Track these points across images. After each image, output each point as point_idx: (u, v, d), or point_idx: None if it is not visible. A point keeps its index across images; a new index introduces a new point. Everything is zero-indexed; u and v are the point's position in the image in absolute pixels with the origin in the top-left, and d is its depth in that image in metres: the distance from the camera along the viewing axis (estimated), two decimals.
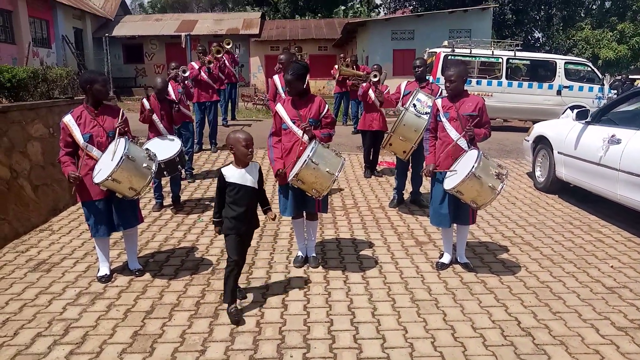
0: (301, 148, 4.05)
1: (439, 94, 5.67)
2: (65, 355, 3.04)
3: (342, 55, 13.05)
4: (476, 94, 13.22)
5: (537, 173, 7.41)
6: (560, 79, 13.01)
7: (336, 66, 11.88)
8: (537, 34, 35.24)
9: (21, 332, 3.31)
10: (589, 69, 13.38)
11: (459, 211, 4.19)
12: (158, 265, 4.44)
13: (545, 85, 13.09)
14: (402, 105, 5.85)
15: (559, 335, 3.28)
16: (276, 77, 5.95)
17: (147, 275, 4.21)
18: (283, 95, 5.52)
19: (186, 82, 7.11)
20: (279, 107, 4.23)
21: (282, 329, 3.35)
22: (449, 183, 3.97)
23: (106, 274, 4.12)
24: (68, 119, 3.98)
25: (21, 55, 18.76)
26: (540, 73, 14.13)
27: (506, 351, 3.10)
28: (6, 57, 17.61)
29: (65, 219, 5.79)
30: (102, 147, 3.97)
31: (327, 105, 4.23)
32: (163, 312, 3.57)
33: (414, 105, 5.42)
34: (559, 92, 12.99)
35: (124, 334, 3.27)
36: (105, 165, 3.80)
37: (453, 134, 4.15)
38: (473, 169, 3.76)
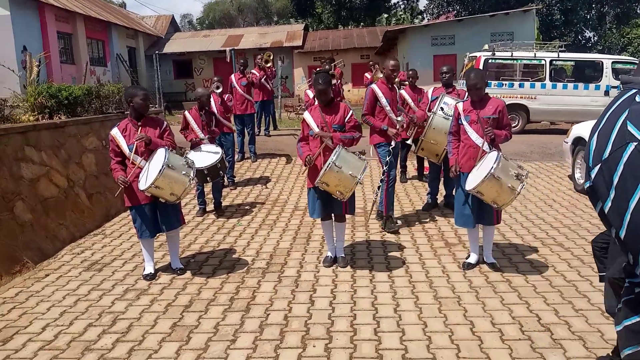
0: (327, 153, 4.28)
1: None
2: (112, 342, 3.39)
3: (371, 62, 13.23)
4: (519, 97, 12.98)
5: (577, 175, 7.31)
6: (607, 79, 12.61)
7: (367, 74, 12.09)
8: (588, 34, 34.08)
9: (75, 322, 3.69)
10: None
11: (483, 212, 4.28)
12: (198, 265, 4.77)
13: (592, 85, 12.73)
14: (430, 110, 5.98)
15: (579, 331, 3.33)
16: (308, 91, 6.35)
17: (188, 274, 4.54)
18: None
19: (225, 96, 7.49)
20: (306, 115, 4.49)
21: (307, 322, 3.57)
22: (470, 184, 4.09)
23: (151, 273, 4.48)
24: (115, 132, 4.39)
25: (79, 74, 19.99)
26: (587, 73, 13.75)
27: (522, 345, 3.19)
28: (66, 76, 18.85)
29: (116, 224, 6.26)
30: (145, 156, 4.34)
31: (351, 111, 4.45)
32: (200, 306, 3.87)
33: (442, 109, 5.55)
34: (606, 93, 12.59)
35: (164, 325, 3.59)
36: (149, 173, 4.16)
37: (474, 136, 4.26)
38: (492, 170, 3.86)
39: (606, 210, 1.25)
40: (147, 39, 27.91)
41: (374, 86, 5.26)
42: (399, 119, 5.19)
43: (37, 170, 5.50)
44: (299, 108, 18.84)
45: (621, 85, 1.40)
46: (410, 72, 7.53)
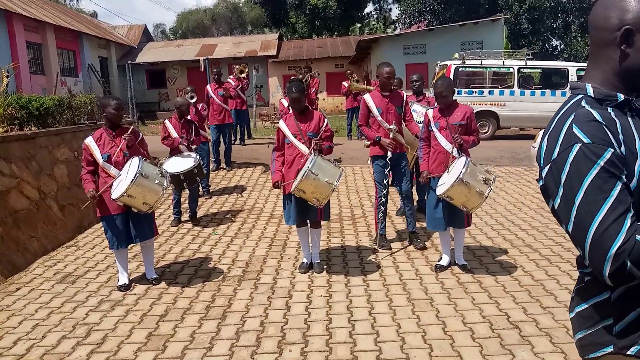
0: (302, 160, 4.35)
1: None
2: (87, 353, 3.36)
3: (349, 71, 13.42)
4: (489, 104, 13.24)
5: None
6: None
7: (344, 83, 12.25)
8: (555, 42, 35.10)
9: (49, 335, 3.65)
10: None
11: (454, 215, 4.40)
12: (173, 275, 4.76)
13: (558, 92, 13.12)
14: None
15: (546, 328, 3.46)
16: (283, 100, 6.38)
17: (163, 284, 4.53)
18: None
19: (199, 105, 7.51)
20: (281, 123, 4.56)
21: (283, 327, 3.61)
22: (440, 189, 4.20)
23: (125, 283, 4.46)
24: (89, 141, 4.37)
25: (50, 85, 19.63)
26: (553, 80, 14.18)
27: (492, 342, 3.29)
28: (36, 87, 18.50)
29: (89, 236, 6.19)
30: (119, 166, 4.34)
31: (326, 120, 4.54)
32: (176, 315, 3.87)
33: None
34: None
35: (139, 335, 3.58)
36: (122, 182, 4.16)
37: (443, 142, 4.39)
38: (461, 175, 3.98)
39: (556, 207, 1.34)
40: (119, 48, 27.60)
41: (366, 96, 5.16)
42: (391, 126, 4.95)
43: (7, 182, 5.41)
44: (273, 117, 18.89)
45: (570, 91, 1.50)
46: (395, 81, 7.66)
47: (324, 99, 23.82)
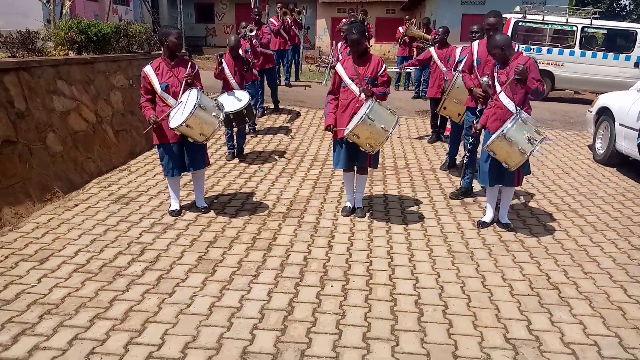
0: (357, 105, 4.35)
1: None
2: (142, 269, 3.60)
3: (407, 17, 12.99)
4: (546, 63, 12.69)
5: (597, 145, 7.30)
6: (639, 50, 12.29)
7: (400, 28, 11.89)
8: (624, 1, 32.78)
9: (105, 250, 3.90)
10: None
11: (504, 172, 4.35)
12: (221, 205, 4.95)
13: (622, 56, 12.41)
14: (455, 69, 5.95)
15: (586, 292, 3.47)
16: (338, 44, 6.33)
17: (212, 213, 4.72)
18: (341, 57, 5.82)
19: (254, 41, 7.47)
20: (338, 67, 4.52)
21: (326, 264, 3.75)
22: (486, 142, 4.18)
23: (176, 209, 4.67)
24: (148, 69, 4.47)
25: (102, 12, 19.81)
26: (618, 43, 13.38)
27: (531, 300, 3.34)
28: (89, 13, 18.68)
29: (141, 162, 6.43)
30: (177, 96, 4.43)
31: (384, 65, 4.48)
32: (224, 243, 4.06)
33: None
34: (637, 65, 12.30)
35: (190, 258, 3.79)
36: (180, 112, 4.27)
37: (503, 97, 4.28)
38: (504, 130, 3.94)
39: None
40: None
41: (475, 43, 5.20)
42: (485, 79, 4.78)
43: (68, 103, 5.63)
44: (319, 60, 18.62)
45: None
46: (441, 29, 7.43)
47: (371, 46, 23.23)
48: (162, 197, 5.13)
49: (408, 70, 11.41)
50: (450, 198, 5.36)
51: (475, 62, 5.08)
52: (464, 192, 5.41)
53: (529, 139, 3.99)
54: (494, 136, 4.13)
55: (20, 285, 3.32)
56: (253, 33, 7.38)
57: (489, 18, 4.79)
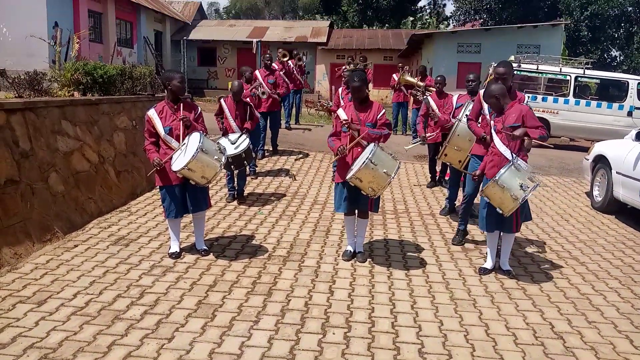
0: (359, 150, 4.41)
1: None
2: (141, 314, 3.55)
3: (401, 64, 13.32)
4: (541, 111, 12.92)
5: (595, 192, 7.35)
6: (632, 99, 12.58)
7: (394, 75, 12.17)
8: (615, 53, 33.77)
9: (105, 292, 3.85)
10: None
11: (503, 219, 4.37)
12: (221, 248, 4.92)
13: (616, 105, 12.71)
14: (454, 117, 6.06)
15: (591, 342, 3.43)
16: (340, 90, 6.50)
17: (211, 256, 4.69)
18: (342, 102, 5.94)
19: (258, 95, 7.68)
20: (340, 111, 4.61)
21: (327, 310, 3.70)
22: (483, 188, 4.26)
23: (176, 251, 4.64)
24: (152, 113, 4.54)
25: (106, 54, 20.25)
26: (611, 93, 13.72)
27: (535, 350, 3.29)
28: (94, 55, 19.09)
29: (141, 203, 6.43)
30: (180, 139, 4.49)
31: (383, 110, 4.57)
32: (224, 287, 4.02)
33: (467, 116, 5.63)
34: (629, 113, 12.57)
35: (190, 302, 3.74)
36: (182, 156, 4.31)
37: (499, 144, 4.35)
38: (497, 177, 4.03)
39: None
40: (174, 24, 28.15)
41: (482, 92, 5.11)
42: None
43: (72, 144, 5.68)
44: (318, 104, 18.94)
45: None
46: (439, 79, 7.60)
47: (369, 91, 23.68)
48: (162, 238, 5.10)
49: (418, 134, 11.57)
50: (453, 244, 5.34)
51: (486, 111, 5.04)
52: (462, 234, 5.42)
53: (521, 186, 4.05)
54: (488, 182, 4.20)
55: (17, 329, 3.25)
56: (265, 96, 7.59)
57: (498, 68, 4.86)
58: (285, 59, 10.84)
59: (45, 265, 4.32)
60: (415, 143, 6.82)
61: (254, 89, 7.60)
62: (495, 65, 4.98)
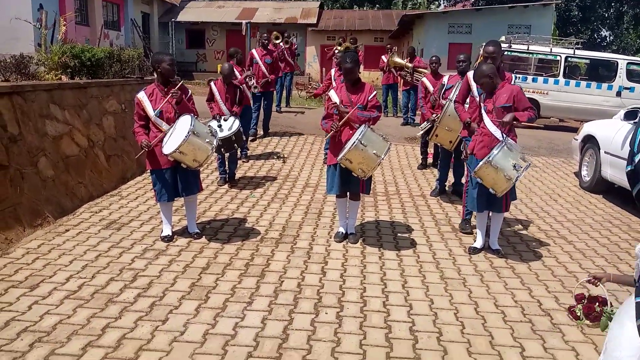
0: (350, 131, 4.42)
1: None
2: (134, 296, 3.57)
3: (389, 45, 13.27)
4: (531, 91, 12.96)
5: (583, 172, 7.44)
6: (621, 79, 12.65)
7: (383, 57, 12.12)
8: (605, 33, 33.82)
9: (98, 276, 3.87)
10: None
11: (493, 198, 4.42)
12: (214, 231, 4.94)
13: (605, 85, 12.77)
14: (445, 98, 6.08)
15: None
16: (332, 71, 6.47)
17: (204, 239, 4.71)
18: (334, 84, 5.91)
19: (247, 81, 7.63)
20: (332, 93, 4.61)
21: (319, 291, 3.75)
22: (474, 168, 4.27)
23: (169, 235, 4.65)
24: (141, 95, 4.50)
25: (93, 36, 19.92)
26: (601, 73, 13.77)
27: (523, 327, 3.37)
28: (80, 37, 18.76)
29: (132, 187, 6.42)
30: (171, 122, 4.46)
31: (375, 92, 4.57)
32: (217, 269, 4.05)
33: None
34: (618, 94, 12.65)
35: (183, 284, 3.77)
36: (174, 138, 4.29)
37: (489, 125, 4.38)
38: (490, 158, 4.04)
39: None
40: (161, 5, 27.69)
41: (470, 74, 5.08)
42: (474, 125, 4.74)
43: (61, 128, 5.63)
44: (309, 86, 18.87)
45: None
46: (434, 59, 7.61)
47: (360, 73, 23.59)
48: (154, 222, 5.11)
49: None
50: (461, 232, 5.20)
51: (476, 93, 4.98)
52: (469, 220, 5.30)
53: (514, 166, 4.08)
54: (480, 163, 4.21)
55: (10, 313, 3.27)
56: (256, 90, 7.73)
57: (487, 47, 4.82)
58: (277, 41, 10.75)
59: (36, 250, 4.31)
60: (425, 127, 6.79)
61: (246, 81, 7.56)
62: (485, 44, 4.96)
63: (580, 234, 5.37)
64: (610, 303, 2.72)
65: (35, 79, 5.95)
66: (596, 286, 2.58)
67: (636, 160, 1.42)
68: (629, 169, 1.46)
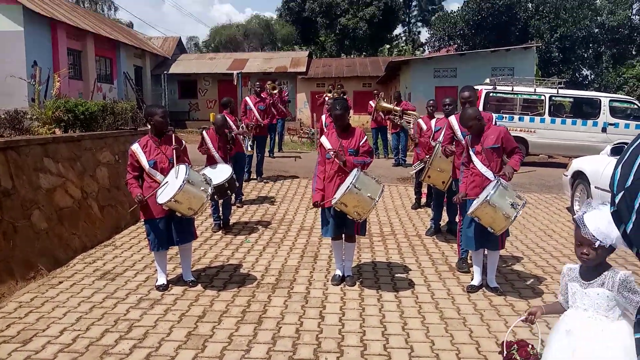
0: (342, 175, 4.47)
1: None
2: (130, 348, 3.49)
3: (376, 91, 13.60)
4: (519, 130, 13.17)
5: (576, 207, 7.50)
6: (605, 116, 12.96)
7: (371, 102, 12.40)
8: (586, 72, 34.83)
9: (92, 328, 3.79)
10: (636, 106, 13.28)
11: (487, 237, 4.44)
12: (209, 278, 4.89)
13: (590, 122, 13.06)
14: (434, 140, 6.19)
15: None
16: (323, 117, 6.62)
17: (199, 287, 4.66)
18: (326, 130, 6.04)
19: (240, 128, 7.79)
20: (323, 139, 4.70)
21: (318, 336, 3.69)
22: (470, 208, 4.30)
23: (163, 284, 4.60)
24: (135, 147, 4.55)
25: (86, 90, 20.26)
26: (585, 110, 14.11)
27: None
28: (74, 91, 19.07)
29: (126, 237, 6.38)
30: (165, 172, 4.50)
31: (365, 137, 4.66)
32: (213, 317, 3.98)
33: (439, 142, 5.75)
34: (604, 130, 12.92)
35: (179, 334, 3.70)
36: (168, 188, 4.31)
37: (479, 165, 4.46)
38: (488, 197, 4.07)
39: (628, 232, 1.41)
40: (153, 58, 28.36)
41: (452, 118, 5.28)
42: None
43: (54, 180, 5.64)
44: (300, 132, 19.18)
45: None
46: (430, 102, 7.83)
47: (350, 117, 23.98)
48: (149, 271, 5.05)
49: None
50: (459, 271, 5.14)
51: (460, 136, 5.14)
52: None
53: (512, 204, 4.13)
54: (477, 203, 4.25)
55: None
56: (248, 145, 7.83)
57: (463, 92, 5.03)
58: (274, 92, 11.09)
59: (29, 303, 4.23)
60: (417, 167, 6.92)
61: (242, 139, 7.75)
62: (460, 90, 5.14)
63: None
64: (541, 340, 2.66)
65: (29, 133, 6.02)
66: (532, 323, 2.55)
67: (617, 200, 1.44)
68: (612, 209, 1.48)
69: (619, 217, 1.44)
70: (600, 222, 2.10)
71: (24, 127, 6.03)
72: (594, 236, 2.11)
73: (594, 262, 2.21)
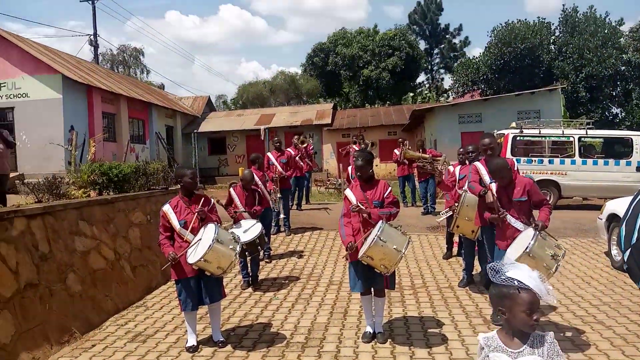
0: (368, 227, 4.47)
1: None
2: None
3: (401, 139, 13.68)
4: (549, 173, 12.98)
5: (614, 252, 7.24)
6: (638, 154, 12.66)
7: (396, 151, 12.46)
8: (615, 110, 34.33)
9: None
10: None
11: None
12: (238, 338, 4.87)
13: (623, 162, 12.77)
14: (460, 188, 6.16)
15: None
16: (349, 168, 6.73)
17: (229, 347, 4.64)
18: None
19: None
20: (348, 192, 4.74)
21: None
22: (508, 259, 4.18)
23: (194, 345, 4.60)
24: (167, 208, 4.69)
25: (120, 151, 21.07)
26: (617, 150, 13.83)
27: None
28: (108, 153, 19.86)
29: (157, 297, 6.44)
30: (194, 231, 4.60)
31: (389, 188, 4.68)
32: None
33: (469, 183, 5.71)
34: (638, 169, 12.60)
35: None
36: (198, 248, 4.40)
37: (508, 217, 4.40)
38: (527, 249, 3.97)
39: None
40: (184, 118, 29.40)
41: (478, 163, 5.31)
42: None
43: (89, 243, 5.82)
44: (327, 182, 19.33)
45: None
46: (461, 150, 7.82)
47: (376, 165, 24.08)
48: (179, 332, 5.07)
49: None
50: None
51: (487, 180, 5.09)
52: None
53: (552, 256, 4.02)
54: (516, 254, 4.11)
55: None
56: (305, 145, 8.02)
57: (484, 139, 5.04)
58: (303, 145, 11.38)
59: None
60: (446, 214, 6.88)
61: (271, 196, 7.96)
62: (480, 138, 5.14)
63: (618, 317, 5.13)
64: None
65: (65, 197, 6.27)
66: None
67: (625, 258, 1.43)
68: (625, 267, 1.46)
69: (631, 275, 1.41)
70: (538, 281, 1.95)
71: (61, 191, 6.29)
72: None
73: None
